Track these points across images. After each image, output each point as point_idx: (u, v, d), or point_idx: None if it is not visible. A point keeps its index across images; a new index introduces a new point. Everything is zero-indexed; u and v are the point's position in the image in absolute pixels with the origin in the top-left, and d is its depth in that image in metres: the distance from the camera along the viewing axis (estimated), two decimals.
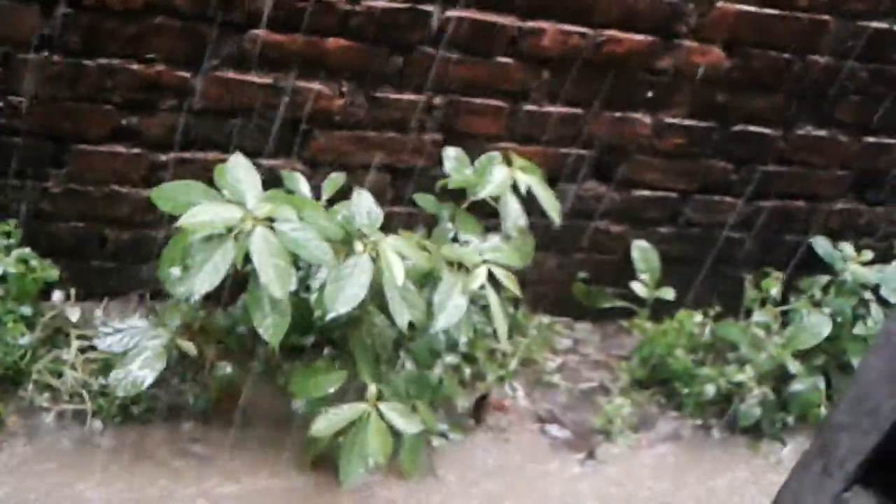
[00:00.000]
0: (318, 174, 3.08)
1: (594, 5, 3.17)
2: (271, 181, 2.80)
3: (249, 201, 2.58)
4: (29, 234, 2.97)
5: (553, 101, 3.30)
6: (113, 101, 2.94)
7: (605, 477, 3.17)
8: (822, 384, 3.45)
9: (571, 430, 3.30)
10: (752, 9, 3.30)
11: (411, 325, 2.78)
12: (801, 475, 1.40)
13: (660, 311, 3.57)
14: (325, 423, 2.75)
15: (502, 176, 3.05)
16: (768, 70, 3.43)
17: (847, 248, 3.67)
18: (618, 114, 3.39)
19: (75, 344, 2.94)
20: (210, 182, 2.66)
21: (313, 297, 2.76)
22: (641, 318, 3.58)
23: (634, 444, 3.32)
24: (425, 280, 2.87)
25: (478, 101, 3.23)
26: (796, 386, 3.43)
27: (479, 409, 3.26)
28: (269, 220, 2.56)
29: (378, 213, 2.84)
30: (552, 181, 3.18)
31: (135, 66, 2.91)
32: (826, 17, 3.38)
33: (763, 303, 3.57)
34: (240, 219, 2.54)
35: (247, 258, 2.53)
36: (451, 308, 2.80)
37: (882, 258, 3.67)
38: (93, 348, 2.91)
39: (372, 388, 2.83)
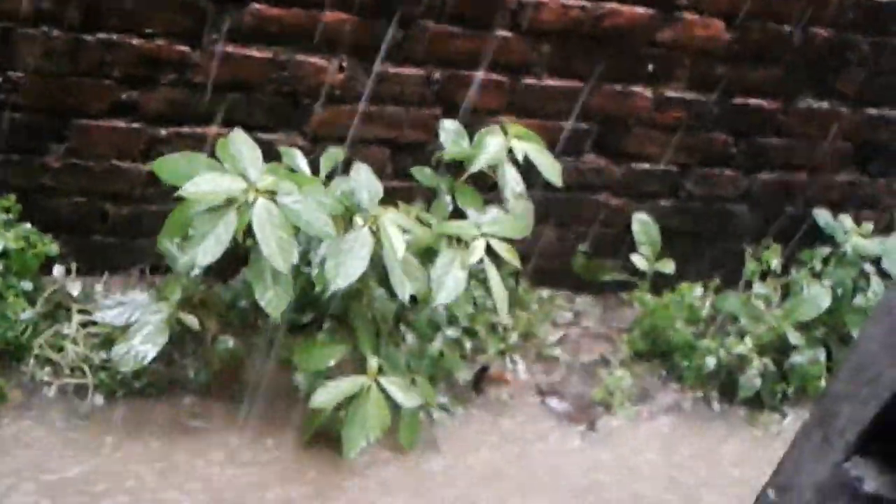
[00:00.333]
0: (317, 149, 3.08)
1: None
2: (270, 156, 2.79)
3: (252, 173, 2.58)
4: (29, 210, 2.97)
5: (553, 74, 3.29)
6: (113, 76, 2.94)
7: (605, 449, 3.18)
8: (822, 356, 3.46)
9: (572, 403, 3.31)
10: None
11: (413, 297, 2.79)
12: (801, 445, 1.40)
13: (660, 283, 3.57)
14: (325, 396, 2.76)
15: (498, 144, 3.04)
16: (769, 42, 3.43)
17: (847, 220, 3.67)
18: (618, 87, 3.38)
19: (76, 318, 2.94)
20: (210, 157, 2.66)
21: (314, 271, 2.77)
22: (642, 291, 3.58)
23: (635, 416, 3.33)
24: (425, 254, 2.88)
25: (478, 74, 3.22)
26: (796, 357, 3.43)
27: (480, 382, 3.26)
28: (271, 193, 2.56)
29: (377, 188, 2.85)
30: (552, 154, 3.17)
31: (134, 41, 2.91)
32: None
33: (763, 275, 3.58)
34: (242, 190, 2.54)
35: (248, 232, 2.53)
36: (450, 282, 2.81)
37: (883, 230, 3.68)
38: (94, 323, 2.92)
39: (372, 362, 2.83)
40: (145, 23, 2.89)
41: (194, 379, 2.93)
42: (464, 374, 3.22)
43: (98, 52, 2.89)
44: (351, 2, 3.00)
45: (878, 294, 3.48)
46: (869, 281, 3.52)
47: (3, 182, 2.97)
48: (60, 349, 2.89)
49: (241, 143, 2.64)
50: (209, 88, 3.00)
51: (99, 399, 2.85)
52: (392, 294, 2.80)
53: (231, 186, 2.55)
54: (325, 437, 2.86)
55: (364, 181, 2.85)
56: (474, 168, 3.02)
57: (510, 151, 3.04)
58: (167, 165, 2.66)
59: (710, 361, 3.39)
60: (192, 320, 2.82)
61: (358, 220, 2.76)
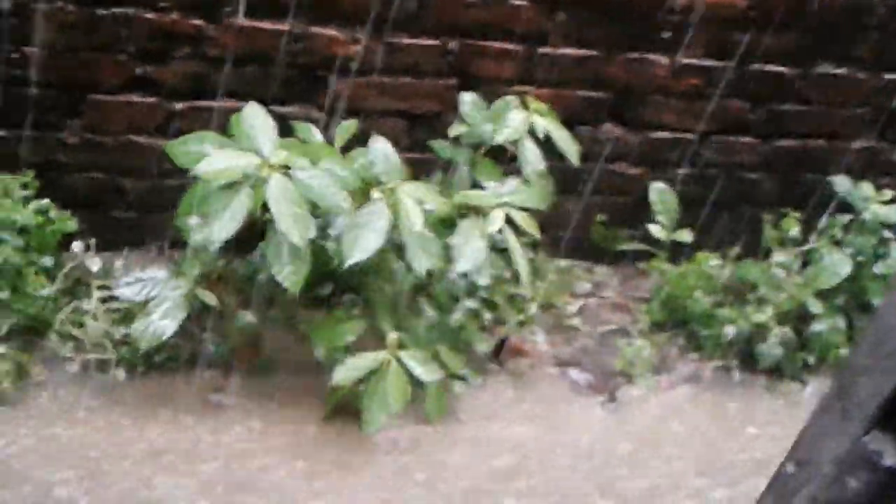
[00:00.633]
0: (333, 121, 3.07)
1: None
2: (286, 129, 2.79)
3: (265, 149, 2.58)
4: (47, 186, 2.97)
5: (568, 43, 3.27)
6: (127, 51, 2.94)
7: (626, 419, 3.17)
8: (842, 324, 3.44)
9: (592, 373, 3.31)
10: None
11: (429, 271, 2.78)
12: (820, 418, 1.39)
13: (678, 253, 3.56)
14: (345, 373, 2.76)
15: (519, 120, 3.04)
16: (785, 8, 3.40)
17: (867, 187, 3.64)
18: (634, 55, 3.36)
19: (96, 294, 2.94)
20: (224, 131, 2.66)
21: (331, 245, 2.76)
22: (660, 261, 3.56)
23: (655, 385, 3.32)
24: (443, 226, 2.87)
25: (493, 44, 3.21)
26: (817, 326, 3.42)
27: (500, 353, 3.26)
28: (286, 168, 2.56)
29: (395, 160, 2.84)
30: (568, 124, 3.16)
31: (149, 15, 2.91)
32: None
33: (782, 243, 3.55)
34: (256, 166, 2.54)
35: (265, 206, 2.53)
36: (470, 252, 2.80)
37: None
38: (113, 298, 2.92)
39: (391, 336, 2.83)
40: None
41: (214, 354, 2.93)
42: (483, 346, 3.21)
43: (113, 26, 2.89)
44: None
45: None
46: (889, 248, 3.50)
47: (20, 158, 2.98)
48: (81, 325, 2.89)
49: (255, 118, 2.64)
50: (224, 62, 3.00)
51: (120, 374, 2.85)
52: (410, 267, 2.79)
53: (245, 163, 2.55)
54: (346, 411, 2.86)
55: (381, 154, 2.84)
56: (495, 142, 3.01)
57: (531, 126, 3.03)
58: (178, 148, 2.65)
59: (730, 331, 3.37)
60: (210, 296, 2.82)
61: (375, 193, 2.75)
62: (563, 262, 3.62)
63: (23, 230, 2.84)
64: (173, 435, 2.75)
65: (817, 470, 1.38)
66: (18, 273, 2.82)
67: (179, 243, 3.03)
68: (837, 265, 3.44)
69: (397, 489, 2.76)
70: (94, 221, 3.07)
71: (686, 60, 3.41)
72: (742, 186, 3.70)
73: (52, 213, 2.91)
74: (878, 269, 3.48)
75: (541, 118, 3.05)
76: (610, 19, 3.27)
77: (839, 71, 3.57)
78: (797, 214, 3.56)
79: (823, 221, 3.62)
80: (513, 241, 2.88)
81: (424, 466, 2.84)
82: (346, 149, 2.91)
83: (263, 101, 2.69)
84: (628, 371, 3.32)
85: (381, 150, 2.86)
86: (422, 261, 2.74)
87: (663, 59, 3.39)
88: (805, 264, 3.53)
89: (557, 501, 2.82)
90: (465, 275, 2.94)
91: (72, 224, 2.94)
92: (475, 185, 3.05)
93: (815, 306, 3.40)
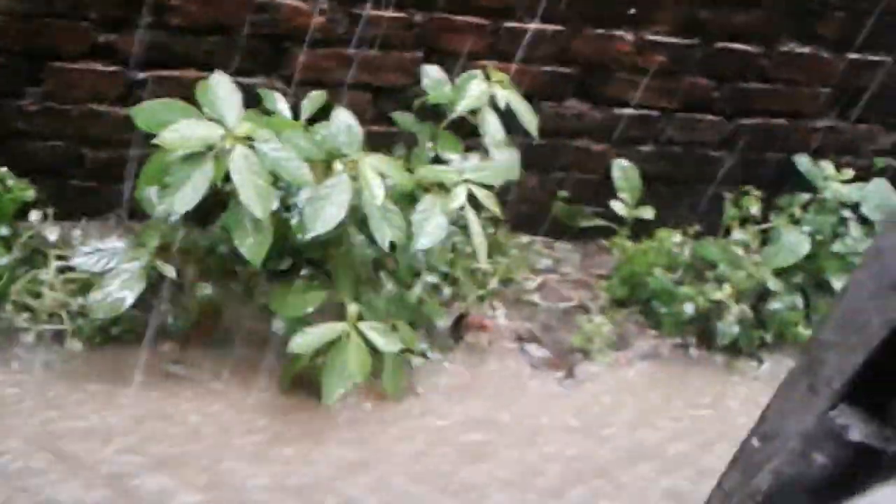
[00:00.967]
0: (298, 92, 3.05)
1: None
2: (250, 99, 2.76)
3: (229, 120, 2.56)
4: (5, 154, 2.94)
5: (535, 18, 3.26)
6: (90, 18, 2.89)
7: (584, 395, 3.19)
8: (800, 302, 3.47)
9: (551, 349, 3.32)
10: None
11: (392, 244, 2.77)
12: (786, 393, 1.40)
13: (640, 230, 3.57)
14: (303, 341, 2.74)
15: (479, 90, 3.03)
16: None
17: (828, 166, 3.67)
18: (600, 31, 3.35)
19: (54, 264, 2.91)
20: (188, 100, 2.63)
21: (293, 217, 2.75)
22: (621, 238, 3.57)
23: (613, 362, 3.33)
24: (405, 200, 2.86)
25: (459, 18, 3.19)
26: (774, 304, 3.44)
27: (459, 328, 3.26)
28: (249, 140, 2.54)
29: (358, 132, 2.82)
30: (534, 99, 3.16)
31: None
32: None
33: (743, 221, 3.58)
34: (219, 137, 2.52)
35: (227, 178, 2.51)
36: (431, 227, 2.79)
37: (863, 176, 3.67)
38: (71, 269, 2.89)
39: (352, 308, 2.82)
40: None
41: (173, 325, 2.92)
42: (443, 321, 3.22)
43: None
44: None
45: (858, 240, 3.49)
46: (848, 227, 3.53)
47: None
48: (38, 295, 2.86)
49: (220, 88, 2.61)
50: (188, 31, 2.96)
51: (77, 345, 2.83)
52: (372, 239, 2.78)
53: (208, 133, 2.52)
54: (305, 382, 2.86)
55: (344, 126, 2.82)
56: (456, 114, 3.00)
57: (492, 98, 3.02)
58: (144, 112, 2.62)
59: (689, 308, 3.39)
60: (169, 267, 2.79)
61: (338, 165, 2.73)
62: (525, 238, 3.62)
63: None
64: (130, 407, 2.74)
65: (783, 444, 1.39)
66: None
67: (139, 214, 3.00)
68: (796, 244, 3.47)
69: (355, 460, 2.76)
70: (52, 190, 3.04)
71: (651, 37, 3.40)
72: (705, 164, 3.71)
73: (10, 182, 2.88)
74: (837, 247, 3.51)
75: (502, 89, 3.04)
76: None
77: (804, 50, 3.58)
78: (758, 193, 3.58)
79: (783, 200, 3.64)
80: (473, 218, 2.87)
81: (381, 438, 2.85)
82: (312, 120, 2.89)
83: (227, 72, 2.65)
84: (587, 347, 3.33)
85: (344, 122, 2.83)
86: (385, 233, 2.73)
87: (629, 36, 3.38)
88: (764, 242, 3.55)
89: (510, 478, 2.84)
90: (425, 250, 2.93)
91: (30, 193, 2.91)
92: (437, 159, 3.03)
93: (774, 284, 3.42)
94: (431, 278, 3.16)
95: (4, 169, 2.89)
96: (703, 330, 3.46)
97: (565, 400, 3.16)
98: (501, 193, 2.98)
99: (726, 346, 3.44)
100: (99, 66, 2.97)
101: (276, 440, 2.76)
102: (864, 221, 3.57)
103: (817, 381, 1.34)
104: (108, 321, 2.80)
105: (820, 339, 1.36)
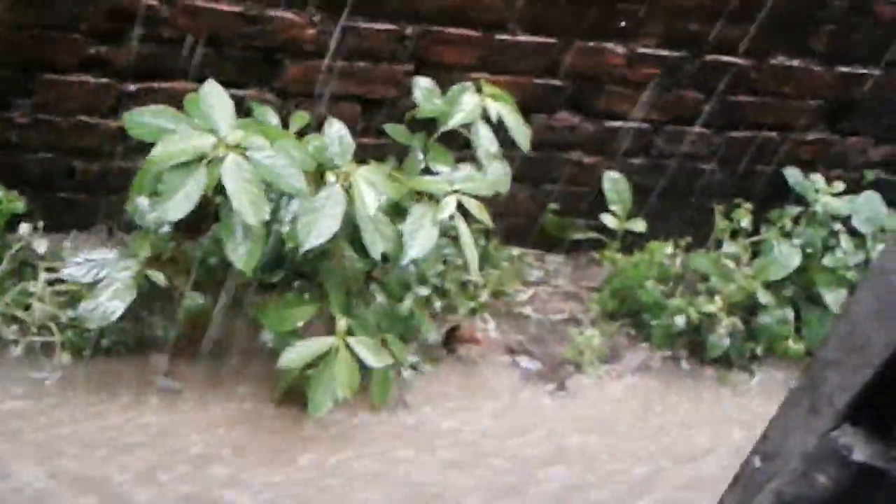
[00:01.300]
0: (288, 104, 3.05)
1: None
2: (241, 112, 2.76)
3: (222, 129, 2.56)
4: None
5: (526, 30, 3.26)
6: (81, 30, 2.88)
7: (575, 407, 3.19)
8: (790, 315, 3.48)
9: (542, 362, 3.31)
10: None
11: (384, 256, 2.77)
12: (788, 411, 1.39)
13: (631, 242, 3.57)
14: (293, 356, 2.75)
15: (472, 103, 3.03)
16: None
17: (818, 178, 3.67)
18: (591, 43, 3.35)
19: (43, 276, 2.90)
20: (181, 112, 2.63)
21: (285, 228, 2.74)
22: (612, 250, 3.57)
23: (604, 374, 3.33)
24: (396, 212, 2.85)
25: (451, 30, 3.19)
26: (765, 317, 3.45)
27: (450, 340, 3.26)
28: (242, 148, 2.53)
29: (350, 143, 2.83)
30: (525, 112, 3.15)
31: None
32: None
33: (734, 234, 3.58)
34: (212, 146, 2.51)
35: (219, 188, 2.50)
36: (421, 238, 2.79)
37: (853, 189, 3.68)
38: (61, 281, 2.88)
39: (341, 322, 2.82)
40: None
41: (163, 337, 2.90)
42: (434, 333, 3.21)
43: (67, 5, 2.83)
44: None
45: (849, 253, 3.49)
46: (839, 240, 3.53)
47: None
48: (27, 307, 2.85)
49: (212, 97, 2.61)
50: (179, 43, 2.95)
51: (66, 357, 2.81)
52: (363, 253, 2.78)
53: (201, 142, 2.52)
54: (294, 395, 2.85)
55: (336, 137, 2.82)
56: (448, 126, 3.00)
57: (484, 111, 3.02)
58: (137, 120, 2.62)
59: (680, 320, 3.39)
60: (160, 277, 2.78)
61: (330, 176, 2.73)
62: (516, 250, 3.62)
63: None
64: (118, 419, 2.73)
65: (785, 464, 1.38)
66: None
67: (129, 226, 2.99)
68: (787, 257, 3.47)
69: (341, 474, 2.76)
70: (42, 202, 3.02)
71: (642, 50, 3.40)
72: (695, 177, 3.71)
73: (0, 194, 2.86)
74: (828, 261, 3.51)
75: (494, 102, 3.04)
76: (568, 7, 3.25)
77: (794, 63, 3.58)
78: (749, 205, 3.58)
79: (774, 213, 3.65)
80: (463, 229, 2.87)
81: (369, 453, 2.84)
82: (300, 135, 2.88)
83: (219, 84, 2.65)
84: (578, 360, 3.33)
85: (336, 133, 2.84)
86: (377, 245, 2.72)
87: (620, 48, 3.38)
88: (755, 255, 3.55)
89: (502, 491, 2.83)
90: (415, 261, 2.92)
91: (20, 205, 2.90)
92: (428, 171, 3.03)
93: (764, 297, 3.42)
94: (422, 291, 3.16)
95: None
96: (694, 342, 3.46)
97: (556, 413, 3.15)
98: (492, 205, 2.98)
99: (717, 359, 3.45)
100: (90, 78, 2.95)
101: (262, 451, 2.75)
102: (854, 234, 3.57)
103: (819, 401, 1.34)
104: (98, 332, 2.79)
105: (821, 358, 1.35)
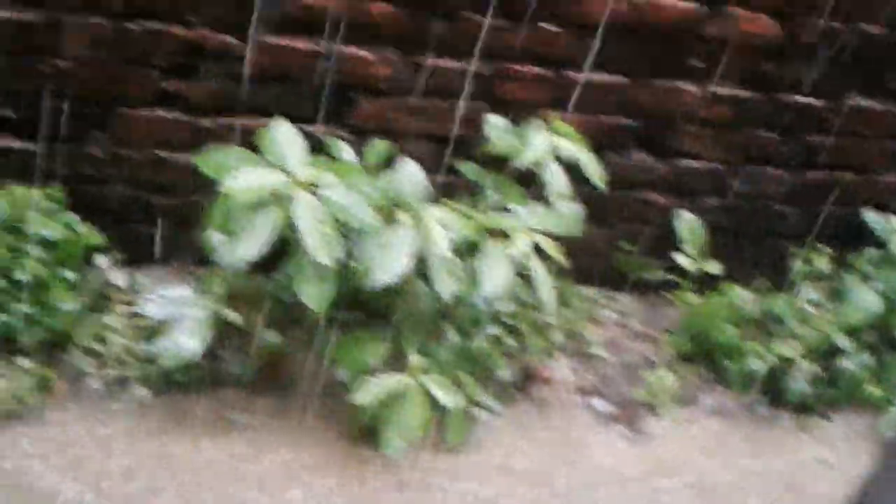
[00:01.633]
0: (361, 141, 3.05)
1: None
2: (315, 148, 2.77)
3: (293, 166, 2.57)
4: (75, 199, 2.96)
5: (599, 69, 3.26)
6: (157, 65, 2.93)
7: (648, 450, 3.14)
8: (871, 361, 3.40)
9: (615, 403, 3.27)
10: None
11: (454, 295, 2.76)
12: (882, 470, 1.36)
13: (705, 283, 3.53)
14: (366, 394, 2.74)
15: (543, 142, 3.03)
16: (818, 39, 3.38)
17: None
18: (664, 83, 3.34)
19: (120, 310, 2.93)
20: (252, 147, 2.65)
21: (357, 265, 2.75)
22: (686, 291, 3.53)
23: (678, 418, 3.28)
24: (468, 249, 2.85)
25: (523, 68, 3.20)
26: (845, 362, 3.38)
27: (523, 380, 3.23)
28: (313, 186, 2.55)
29: (422, 182, 2.83)
30: (597, 151, 3.13)
31: (178, 30, 2.89)
32: None
33: (811, 277, 3.52)
34: (284, 184, 2.53)
35: (291, 224, 2.51)
36: (496, 276, 2.78)
37: None
38: (137, 314, 2.90)
39: (414, 360, 2.81)
40: (190, 12, 2.88)
41: (237, 373, 2.91)
42: (506, 373, 3.18)
43: (143, 41, 2.88)
44: None
45: None
46: None
47: (49, 171, 2.96)
48: (105, 341, 2.87)
49: (282, 134, 2.63)
50: (253, 79, 2.99)
51: (142, 391, 2.82)
52: (435, 290, 2.77)
53: (273, 180, 2.54)
54: (367, 433, 2.84)
55: (408, 175, 2.83)
56: (520, 164, 3.00)
57: (555, 149, 3.02)
58: (209, 159, 2.64)
59: (756, 364, 3.33)
60: (234, 315, 2.80)
61: (401, 214, 2.73)
62: (588, 290, 3.59)
63: (49, 244, 2.82)
64: (193, 454, 2.73)
65: None
66: (43, 287, 2.80)
67: (204, 260, 3.01)
68: (866, 301, 3.42)
69: None
70: (119, 236, 3.05)
71: (717, 89, 3.39)
72: (770, 218, 3.67)
73: (79, 227, 2.90)
74: None
75: (566, 141, 3.04)
76: (642, 46, 3.25)
77: (870, 104, 3.54)
78: (826, 248, 3.53)
79: (853, 256, 3.59)
80: (538, 268, 2.85)
81: (444, 492, 2.81)
82: (374, 169, 2.89)
83: (292, 120, 2.67)
84: (652, 402, 3.29)
85: (408, 171, 2.84)
86: (447, 284, 2.72)
87: (694, 88, 3.37)
88: (833, 299, 3.49)
89: None
90: (488, 300, 2.91)
91: (98, 238, 2.93)
92: (501, 209, 3.03)
93: (844, 342, 3.36)
94: (494, 329, 3.14)
95: (73, 214, 2.91)
96: (770, 387, 3.39)
97: (630, 456, 3.11)
98: (564, 244, 2.96)
99: (795, 404, 3.38)
100: (165, 114, 3.00)
101: (337, 490, 2.73)
102: None
103: None
104: (173, 368, 2.80)
105: None
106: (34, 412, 2.71)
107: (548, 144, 3.03)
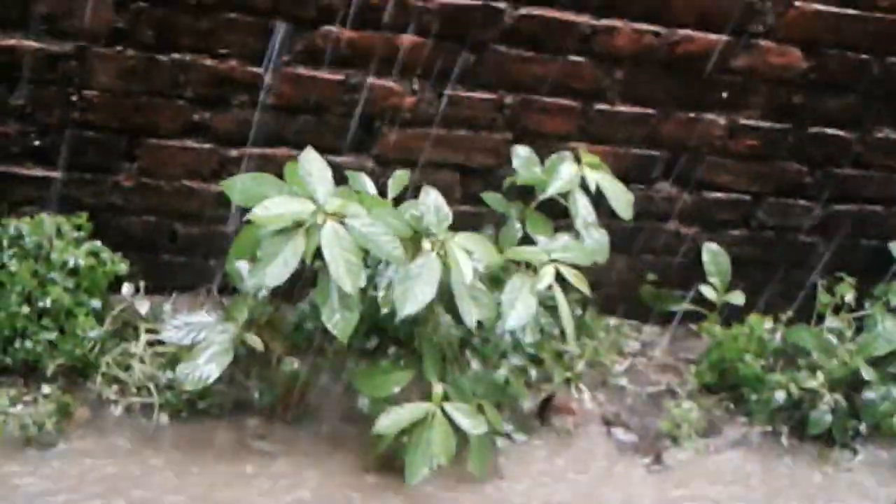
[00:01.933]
0: (387, 172, 3.06)
1: (668, 3, 3.14)
2: (340, 179, 2.79)
3: (320, 196, 2.58)
4: (100, 227, 2.99)
5: (625, 100, 3.26)
6: (185, 96, 2.96)
7: (671, 482, 3.13)
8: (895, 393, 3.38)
9: (638, 434, 3.26)
10: (830, 9, 3.25)
11: (479, 324, 2.76)
12: None
13: (730, 315, 3.51)
14: (389, 422, 2.74)
15: (570, 172, 3.04)
16: (846, 71, 3.37)
17: None
18: (691, 114, 3.34)
19: (144, 337, 2.95)
20: (280, 177, 2.66)
21: (381, 294, 2.75)
22: (711, 322, 3.52)
23: (702, 449, 3.27)
24: (493, 279, 2.85)
25: (549, 99, 3.20)
26: (869, 394, 3.36)
27: (545, 410, 3.23)
28: (340, 216, 2.56)
29: (446, 212, 2.83)
30: (623, 181, 3.14)
31: (207, 61, 2.92)
32: None
33: (836, 308, 3.50)
34: (311, 213, 2.54)
35: (316, 254, 2.52)
36: (520, 307, 2.79)
37: None
38: (161, 342, 2.92)
39: (437, 388, 2.81)
40: (218, 43, 2.91)
41: (259, 400, 2.92)
42: (529, 403, 3.18)
43: (171, 71, 2.91)
44: (425, 25, 2.99)
45: None
46: None
47: (74, 200, 3.01)
48: (127, 368, 2.89)
49: (311, 164, 2.64)
50: (281, 110, 3.01)
51: (164, 418, 2.84)
52: (458, 319, 2.78)
53: (300, 209, 2.55)
54: (389, 461, 2.84)
55: (433, 205, 2.83)
56: (546, 194, 3.01)
57: (582, 180, 3.02)
58: (236, 185, 2.66)
59: (780, 396, 3.31)
60: (257, 341, 2.81)
61: (426, 244, 2.74)
62: (612, 321, 3.59)
63: (73, 271, 2.85)
64: (214, 481, 2.74)
65: None
66: (67, 314, 2.83)
67: (228, 288, 3.04)
68: (892, 332, 3.39)
69: None
70: (144, 264, 3.08)
71: (743, 121, 3.38)
72: (797, 250, 3.66)
73: (104, 255, 2.92)
74: None
75: (593, 171, 3.04)
76: (668, 77, 3.25)
77: None
78: (852, 280, 3.51)
79: (879, 288, 3.57)
80: (561, 299, 2.86)
81: None
82: (397, 199, 2.90)
83: (318, 150, 2.68)
84: (675, 433, 3.27)
85: (433, 201, 2.84)
86: (472, 313, 2.72)
87: (720, 119, 3.36)
88: (859, 331, 3.47)
89: None
90: (512, 331, 2.92)
91: (122, 266, 2.95)
92: (526, 240, 3.03)
93: (868, 373, 3.34)
94: (517, 359, 3.14)
95: (98, 242, 2.93)
96: (794, 418, 3.37)
97: (654, 487, 3.09)
98: (589, 275, 2.96)
99: (819, 436, 3.35)
100: (193, 144, 3.03)
101: None
102: None
103: None
104: (195, 394, 2.82)
105: None
106: (54, 438, 2.72)
107: (575, 175, 3.04)
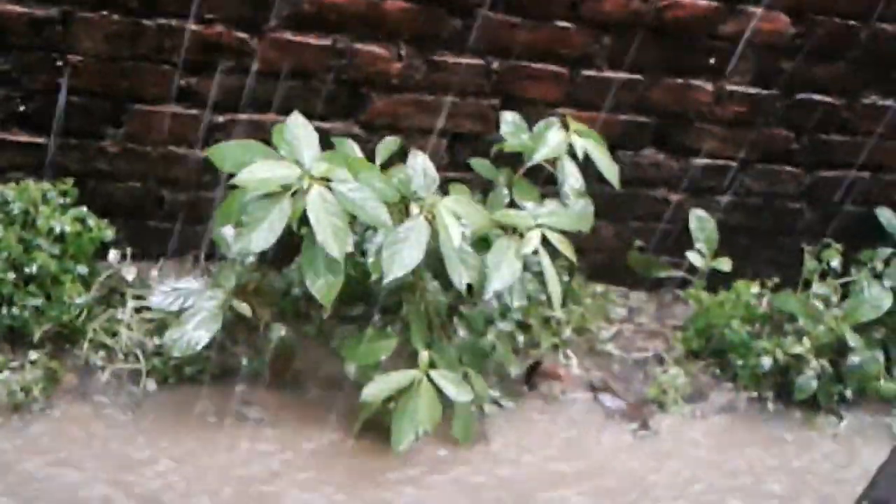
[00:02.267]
0: (374, 137, 3.06)
1: None
2: (327, 145, 2.78)
3: (307, 160, 2.58)
4: (86, 194, 2.98)
5: (613, 66, 3.26)
6: (171, 62, 2.94)
7: (658, 447, 3.14)
8: (881, 357, 3.39)
9: (625, 400, 3.27)
10: None
11: (468, 289, 2.76)
12: None
13: (716, 281, 3.52)
14: (375, 389, 2.74)
15: (558, 139, 3.03)
16: (834, 37, 3.37)
17: None
18: (679, 80, 3.34)
19: (131, 303, 2.95)
20: (267, 143, 2.66)
21: (369, 260, 2.75)
22: (697, 289, 3.52)
23: (688, 414, 3.28)
24: (481, 245, 2.85)
25: (537, 65, 3.20)
26: (854, 359, 3.37)
27: (532, 376, 3.24)
28: (326, 180, 2.55)
29: (434, 176, 2.83)
30: (611, 148, 3.13)
31: (193, 27, 2.91)
32: None
33: (823, 274, 3.51)
34: (297, 177, 2.53)
35: (302, 219, 2.52)
36: (504, 270, 2.78)
37: None
38: (148, 308, 2.92)
39: (424, 355, 2.81)
40: (205, 9, 2.89)
41: (246, 367, 2.92)
42: (516, 369, 3.18)
43: (157, 36, 2.89)
44: None
45: None
46: None
47: (60, 166, 2.99)
48: (114, 334, 2.89)
49: (297, 129, 2.63)
50: (267, 76, 3.00)
51: (151, 384, 2.84)
52: (446, 285, 2.78)
53: (286, 173, 2.54)
54: (376, 427, 2.84)
55: (420, 169, 2.83)
56: (533, 161, 3.00)
57: (570, 147, 3.02)
58: (222, 152, 2.65)
59: (766, 361, 3.33)
60: (244, 308, 2.81)
61: (414, 208, 2.73)
62: (600, 287, 3.59)
63: (60, 238, 2.84)
64: (201, 447, 2.74)
65: None
66: (54, 280, 2.82)
67: (215, 254, 3.03)
68: (877, 298, 3.40)
69: None
70: (131, 230, 3.08)
71: (731, 87, 3.38)
72: (784, 216, 3.67)
73: (90, 222, 2.91)
74: None
75: (580, 138, 3.04)
76: (656, 44, 3.24)
77: (886, 102, 3.53)
78: (839, 246, 3.52)
79: (865, 254, 3.58)
80: (547, 264, 2.85)
81: (451, 486, 2.82)
82: (385, 166, 2.90)
83: (305, 116, 2.68)
84: (661, 399, 3.28)
85: (420, 165, 2.84)
86: (462, 275, 2.72)
87: (708, 86, 3.36)
88: (845, 297, 3.48)
89: None
90: (498, 294, 2.91)
91: (109, 233, 2.94)
92: (513, 205, 3.03)
93: (854, 339, 3.35)
94: (505, 326, 3.14)
95: (84, 209, 2.92)
96: (780, 384, 3.39)
97: (640, 452, 3.11)
98: (576, 242, 2.96)
99: (805, 401, 3.37)
100: (179, 109, 3.01)
101: (344, 484, 2.74)
102: None
103: None
104: (182, 361, 2.82)
105: None
106: (41, 405, 2.72)
107: (562, 142, 3.03)
